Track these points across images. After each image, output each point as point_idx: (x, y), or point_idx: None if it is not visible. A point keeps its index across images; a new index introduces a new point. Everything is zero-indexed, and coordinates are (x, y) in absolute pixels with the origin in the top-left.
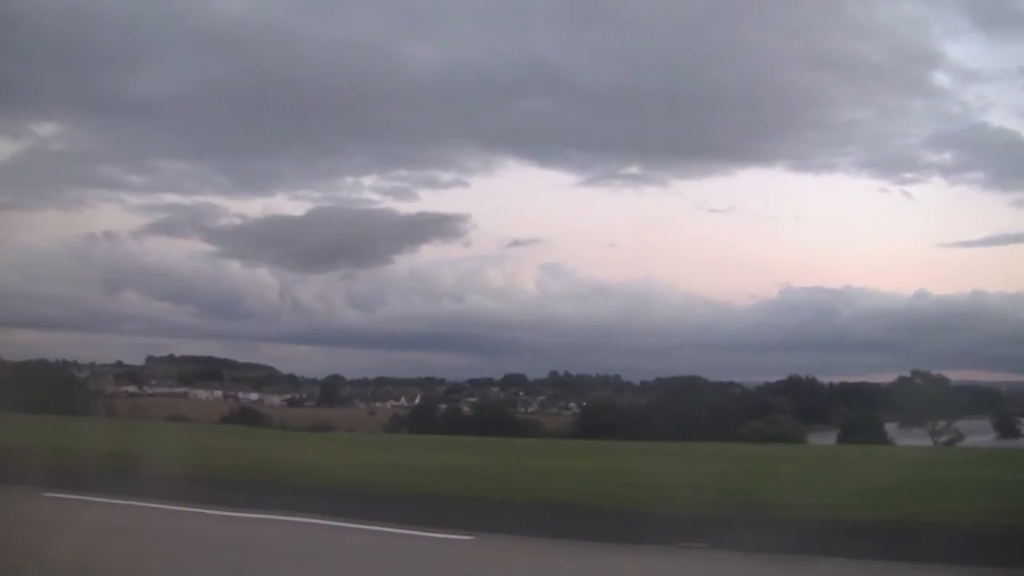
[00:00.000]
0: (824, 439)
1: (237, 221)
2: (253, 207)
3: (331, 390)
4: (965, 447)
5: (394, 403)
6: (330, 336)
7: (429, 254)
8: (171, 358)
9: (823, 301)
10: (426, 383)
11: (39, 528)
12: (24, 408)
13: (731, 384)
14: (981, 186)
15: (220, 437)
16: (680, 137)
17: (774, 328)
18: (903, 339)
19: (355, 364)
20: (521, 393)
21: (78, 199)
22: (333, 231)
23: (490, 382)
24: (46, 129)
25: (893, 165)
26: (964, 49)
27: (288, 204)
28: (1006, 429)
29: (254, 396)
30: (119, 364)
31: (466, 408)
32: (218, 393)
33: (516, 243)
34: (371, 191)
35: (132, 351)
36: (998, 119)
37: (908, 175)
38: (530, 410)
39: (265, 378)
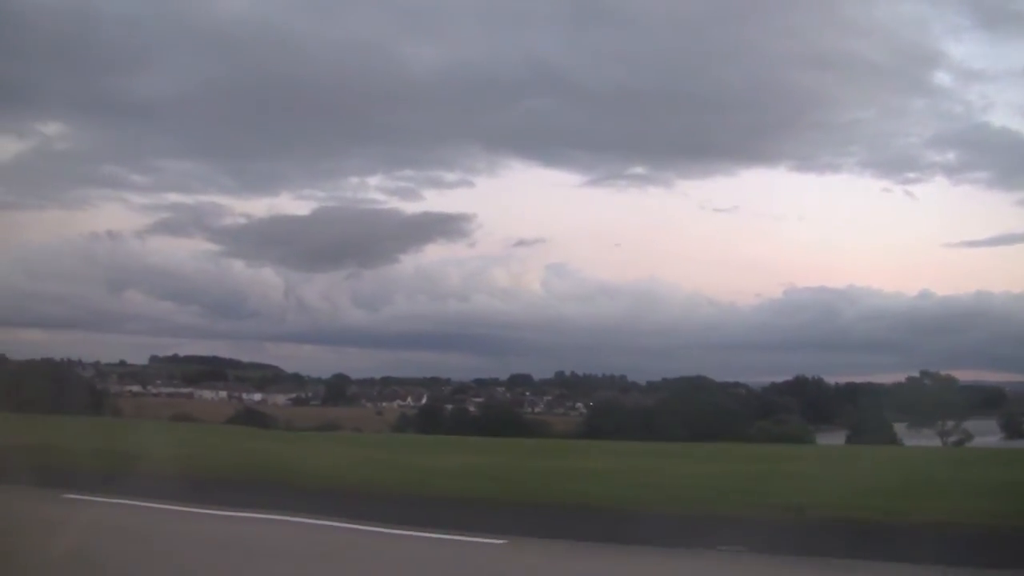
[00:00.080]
0: (832, 439)
1: (242, 221)
2: (258, 207)
3: (337, 389)
4: (974, 447)
5: (400, 403)
6: (335, 336)
7: (434, 254)
8: (175, 358)
9: (827, 301)
10: (431, 383)
11: (67, 532)
12: (31, 408)
13: (736, 384)
14: (985, 186)
15: (231, 438)
16: (684, 137)
17: (778, 328)
18: (907, 339)
19: (360, 364)
20: (527, 393)
21: (82, 198)
22: (338, 231)
23: (496, 382)
24: (51, 129)
25: (896, 165)
26: (966, 48)
27: (293, 204)
28: (1012, 429)
29: (258, 396)
30: (122, 364)
31: (473, 408)
32: (223, 393)
33: (521, 243)
34: (376, 191)
35: (136, 351)
36: (1001, 119)
37: (911, 175)
38: (536, 410)
39: (270, 378)
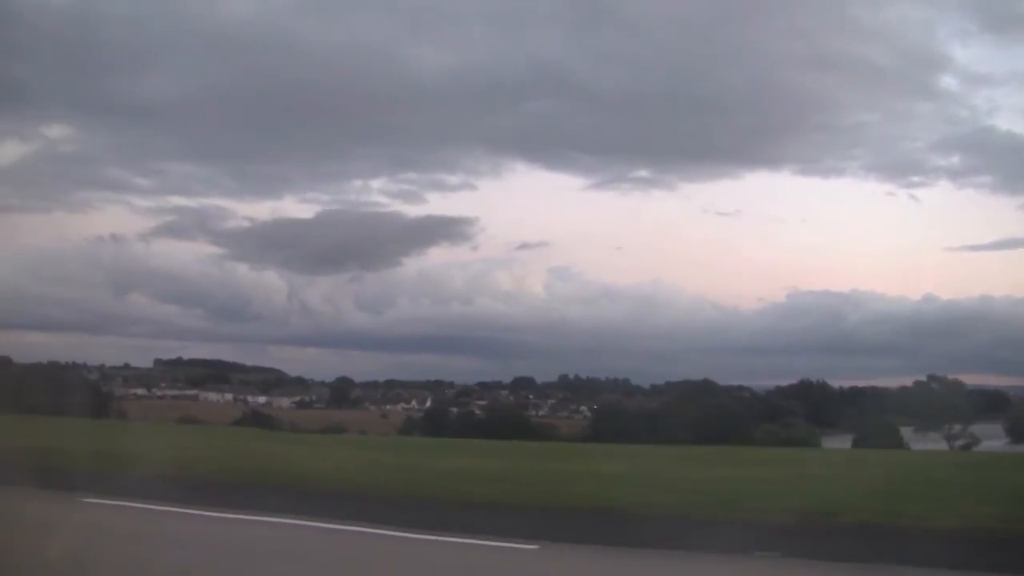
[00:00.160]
0: (837, 443)
1: (245, 224)
2: (261, 210)
3: (341, 392)
4: (982, 451)
5: (405, 406)
6: (338, 339)
7: (437, 257)
8: (179, 361)
9: (830, 305)
10: (435, 386)
11: (93, 537)
12: (37, 410)
13: (740, 388)
14: (989, 190)
15: (240, 441)
16: (688, 140)
17: (781, 332)
18: (910, 343)
19: (363, 367)
20: (531, 396)
21: (86, 201)
22: (341, 234)
23: (499, 385)
24: (54, 131)
25: (900, 168)
26: (972, 52)
27: (296, 207)
28: (1018, 434)
29: (262, 399)
30: (126, 366)
31: (478, 411)
32: (227, 396)
33: (524, 246)
34: (379, 194)
35: (139, 353)
36: (1006, 122)
37: (915, 179)
38: (541, 413)
39: (273, 381)
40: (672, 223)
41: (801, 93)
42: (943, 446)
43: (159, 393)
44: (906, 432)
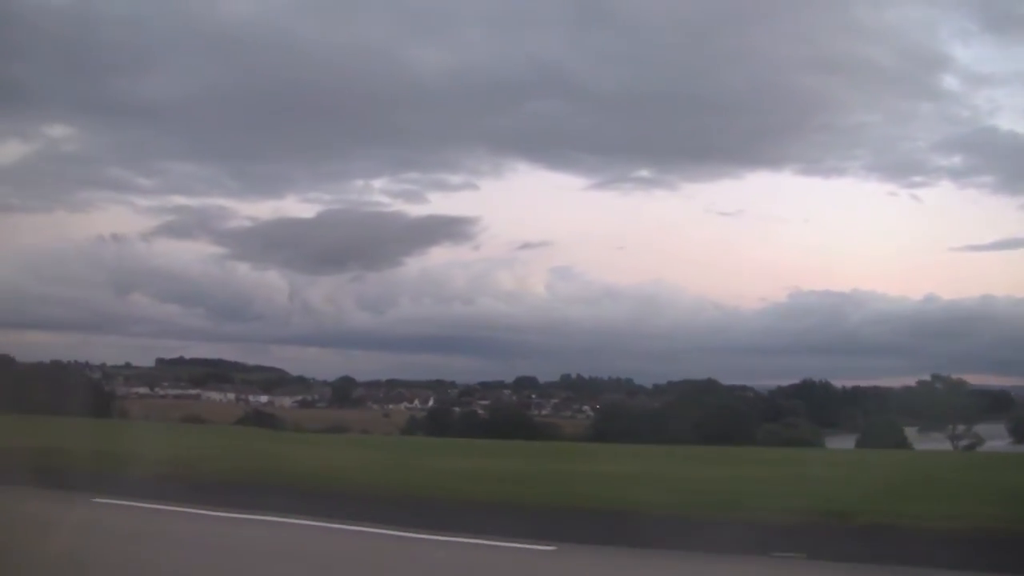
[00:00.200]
0: (840, 443)
1: (247, 223)
2: (263, 209)
3: (343, 392)
4: (986, 452)
5: (408, 405)
6: (339, 338)
7: (439, 256)
8: (180, 360)
9: (832, 305)
10: (437, 385)
11: (108, 538)
12: (41, 410)
13: (743, 388)
14: (990, 190)
15: (246, 440)
16: (689, 140)
17: (783, 331)
18: (912, 343)
19: (365, 366)
20: (533, 396)
21: (87, 201)
22: (343, 233)
23: (502, 385)
24: (56, 131)
25: (902, 169)
26: (973, 52)
27: (298, 206)
28: (1021, 433)
29: (264, 398)
30: (128, 366)
31: (481, 411)
32: (229, 395)
33: (526, 246)
34: (381, 194)
35: (141, 353)
36: (1008, 123)
37: (917, 179)
38: (544, 413)
39: (275, 380)
40: (674, 223)
41: (803, 93)
42: (947, 446)
43: (161, 392)
44: (910, 432)
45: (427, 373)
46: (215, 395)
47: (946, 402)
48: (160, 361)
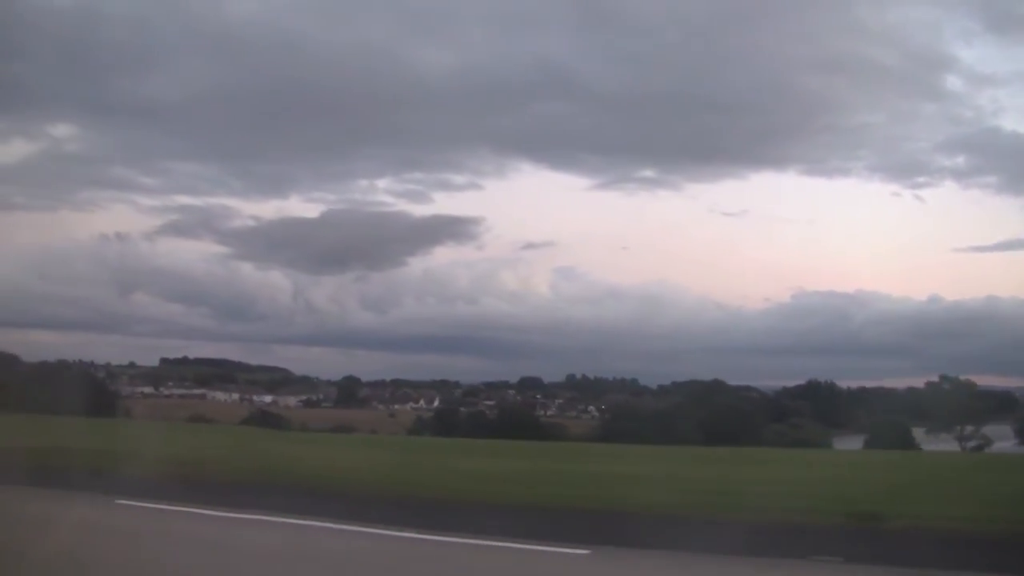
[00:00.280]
0: (847, 444)
1: (250, 223)
2: (267, 209)
3: (348, 392)
4: (995, 453)
5: (413, 405)
6: (343, 338)
7: (443, 256)
8: (184, 360)
9: (836, 305)
10: (441, 385)
11: (139, 542)
12: (48, 409)
13: (748, 388)
14: (994, 190)
15: (259, 441)
16: (693, 141)
17: (787, 332)
18: (916, 344)
19: (368, 366)
20: (538, 396)
21: (91, 200)
22: (347, 233)
23: (506, 385)
24: (60, 130)
25: (906, 169)
26: (977, 53)
27: (302, 206)
28: None
29: (268, 398)
30: (132, 365)
31: (488, 411)
32: (234, 395)
33: (530, 246)
34: (385, 193)
35: (145, 352)
36: (1011, 123)
37: (921, 179)
38: (549, 413)
39: (280, 379)
40: (677, 223)
41: (806, 93)
42: (955, 447)
43: (166, 392)
44: (917, 433)
45: (430, 373)
46: (220, 395)
47: (954, 403)
48: (164, 361)
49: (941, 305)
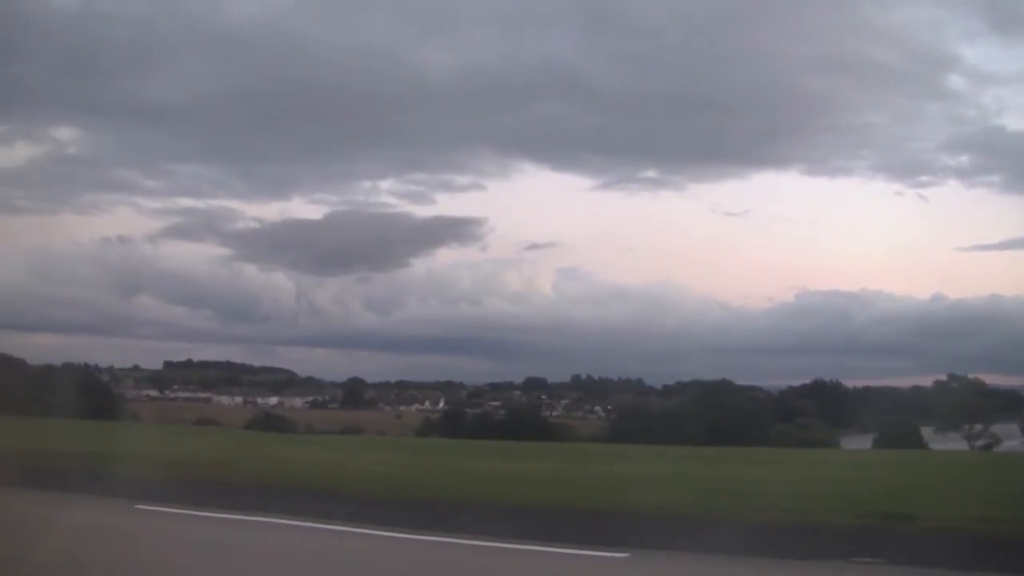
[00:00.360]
0: (856, 443)
1: (254, 225)
2: (270, 211)
3: (354, 393)
4: (1005, 452)
5: (419, 407)
6: (347, 339)
7: (446, 257)
8: (189, 363)
9: (839, 305)
10: (446, 386)
11: (164, 549)
12: (55, 413)
13: (753, 388)
14: (998, 189)
15: (266, 444)
16: (696, 141)
17: (790, 331)
18: (919, 343)
19: (372, 367)
20: (543, 397)
21: (94, 203)
22: (350, 235)
23: (511, 385)
24: (63, 133)
25: (909, 168)
26: (980, 52)
27: (305, 208)
28: None
29: (273, 400)
30: (136, 368)
31: (494, 412)
32: (238, 398)
33: (533, 247)
34: (388, 195)
35: (149, 355)
36: (1015, 122)
37: (924, 178)
38: (555, 414)
39: (284, 381)
40: (680, 223)
41: (809, 94)
42: (963, 446)
43: (171, 395)
44: (926, 432)
45: (434, 374)
46: (225, 398)
47: (963, 402)
48: (168, 363)
49: (944, 304)
